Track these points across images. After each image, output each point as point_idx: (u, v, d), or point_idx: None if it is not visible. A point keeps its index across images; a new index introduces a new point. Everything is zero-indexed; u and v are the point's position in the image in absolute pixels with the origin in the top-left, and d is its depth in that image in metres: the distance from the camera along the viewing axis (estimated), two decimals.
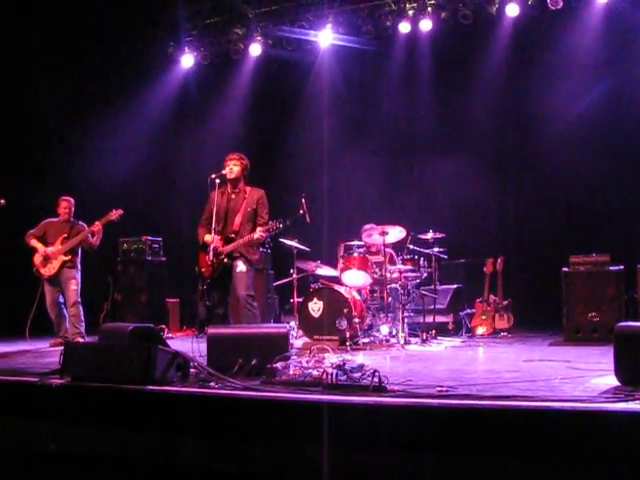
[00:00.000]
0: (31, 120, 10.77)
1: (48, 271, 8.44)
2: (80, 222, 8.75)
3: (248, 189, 7.08)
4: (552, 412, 3.59)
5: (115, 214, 8.53)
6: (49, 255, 8.43)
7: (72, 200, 8.78)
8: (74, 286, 8.44)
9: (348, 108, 11.48)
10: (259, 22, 11.31)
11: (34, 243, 8.54)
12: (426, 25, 10.47)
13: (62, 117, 10.85)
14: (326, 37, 11.08)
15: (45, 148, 10.91)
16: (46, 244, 8.53)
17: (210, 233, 6.86)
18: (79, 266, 8.63)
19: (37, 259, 8.50)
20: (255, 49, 11.46)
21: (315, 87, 11.55)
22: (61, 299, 8.53)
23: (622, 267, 8.12)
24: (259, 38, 11.39)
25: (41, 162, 10.83)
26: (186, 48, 11.84)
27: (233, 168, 7.00)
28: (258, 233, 6.77)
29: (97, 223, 8.50)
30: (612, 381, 4.40)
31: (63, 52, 10.56)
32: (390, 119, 11.18)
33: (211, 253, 6.74)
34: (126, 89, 11.11)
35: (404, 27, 10.61)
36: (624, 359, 4.34)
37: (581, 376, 5.05)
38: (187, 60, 11.92)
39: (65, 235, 8.54)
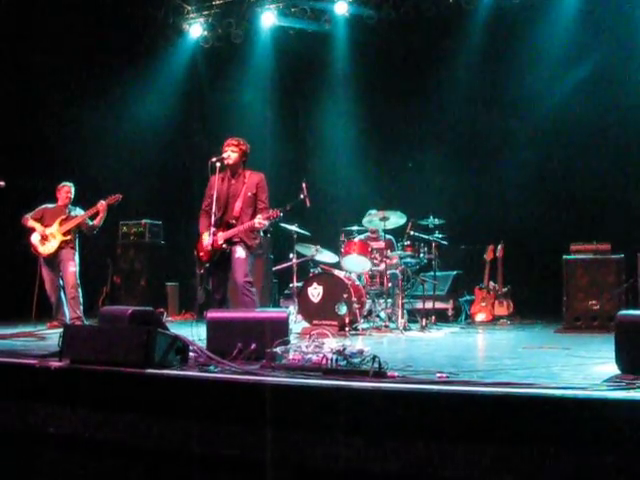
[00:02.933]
0: (32, 102, 10.69)
1: (46, 250, 8.34)
2: (77, 209, 8.67)
3: (247, 173, 6.97)
4: (553, 399, 3.58)
5: (114, 198, 8.43)
6: (47, 235, 8.34)
7: (72, 187, 8.69)
8: (72, 268, 8.35)
9: (348, 92, 11.43)
10: None
11: (31, 223, 8.43)
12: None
13: (62, 100, 10.78)
14: (341, 7, 10.94)
15: (46, 130, 10.83)
16: (43, 226, 8.47)
17: (210, 220, 6.79)
18: (76, 248, 8.55)
19: (34, 238, 8.39)
20: (268, 18, 11.24)
21: (321, 68, 11.53)
22: (61, 282, 8.48)
23: (622, 255, 8.13)
24: (272, 6, 11.21)
25: (43, 144, 10.75)
26: (194, 24, 11.71)
27: (231, 155, 6.87)
28: (258, 220, 6.68)
29: (102, 202, 8.38)
30: (613, 369, 4.38)
31: (65, 35, 10.49)
32: (392, 105, 11.11)
33: (209, 244, 6.71)
34: (131, 69, 11.03)
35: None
36: (625, 347, 4.33)
37: (582, 364, 5.05)
38: (195, 37, 11.78)
39: (64, 217, 8.46)
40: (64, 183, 8.70)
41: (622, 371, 4.30)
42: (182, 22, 11.80)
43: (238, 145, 6.91)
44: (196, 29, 11.71)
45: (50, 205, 8.66)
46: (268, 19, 11.24)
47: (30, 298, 8.46)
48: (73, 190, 8.67)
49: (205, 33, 11.72)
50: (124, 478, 4.48)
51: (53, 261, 8.43)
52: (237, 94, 11.71)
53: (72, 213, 8.57)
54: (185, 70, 11.94)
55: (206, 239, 6.78)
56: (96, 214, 8.45)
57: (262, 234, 7.18)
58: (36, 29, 10.46)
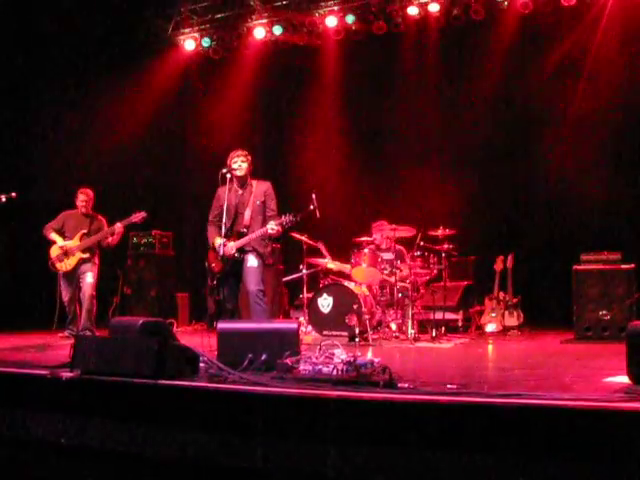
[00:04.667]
0: (32, 111, 10.73)
1: (64, 267, 8.34)
2: (99, 216, 8.64)
3: (254, 182, 7.05)
4: (564, 411, 3.57)
5: (138, 216, 8.38)
6: (67, 251, 8.32)
7: (91, 192, 8.64)
8: (90, 279, 8.34)
9: (356, 101, 11.44)
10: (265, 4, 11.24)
11: (53, 236, 8.40)
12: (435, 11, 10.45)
13: (64, 107, 10.81)
14: (332, 21, 10.93)
15: (50, 140, 10.84)
16: (64, 238, 8.42)
17: (220, 230, 6.82)
18: (97, 261, 8.52)
19: (54, 252, 8.38)
20: (259, 32, 11.28)
21: (323, 77, 11.52)
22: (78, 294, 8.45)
23: (633, 265, 8.07)
24: (264, 20, 11.26)
25: (48, 154, 10.77)
26: (188, 37, 11.75)
27: (242, 165, 6.94)
28: (271, 226, 6.70)
29: (119, 225, 8.35)
30: (624, 380, 4.36)
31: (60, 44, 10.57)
32: (401, 115, 11.12)
33: (221, 251, 6.73)
34: (128, 76, 10.95)
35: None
36: (637, 358, 4.30)
37: (593, 375, 5.03)
38: (190, 45, 11.77)
39: (85, 231, 8.42)
40: (81, 189, 8.62)
41: (634, 382, 4.28)
42: (176, 35, 11.84)
43: (246, 155, 7.00)
44: (190, 42, 11.75)
45: (72, 211, 8.60)
46: (260, 33, 11.27)
47: (52, 308, 8.46)
48: (91, 197, 8.61)
49: (199, 46, 11.75)
50: None
51: (72, 275, 8.41)
52: (235, 107, 11.69)
53: (94, 223, 8.52)
54: (179, 83, 11.94)
55: (218, 241, 6.78)
56: (114, 233, 8.43)
57: (271, 241, 7.20)
58: (42, 37, 10.54)
